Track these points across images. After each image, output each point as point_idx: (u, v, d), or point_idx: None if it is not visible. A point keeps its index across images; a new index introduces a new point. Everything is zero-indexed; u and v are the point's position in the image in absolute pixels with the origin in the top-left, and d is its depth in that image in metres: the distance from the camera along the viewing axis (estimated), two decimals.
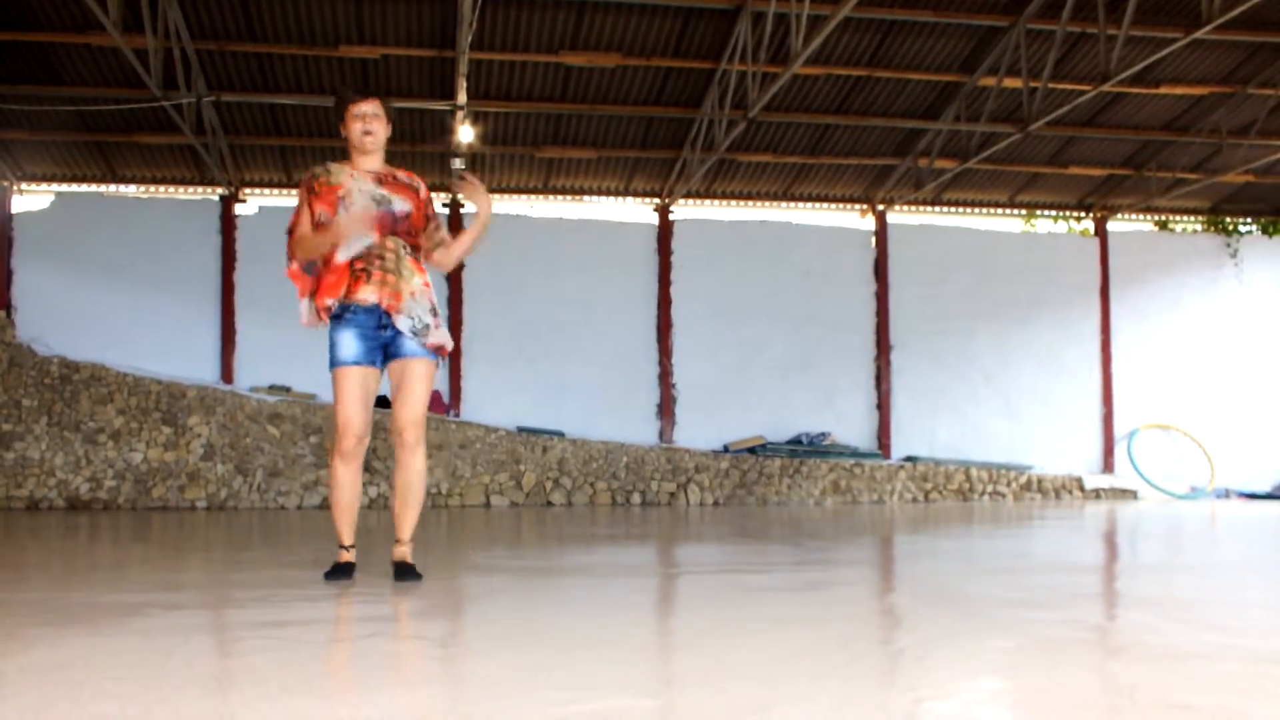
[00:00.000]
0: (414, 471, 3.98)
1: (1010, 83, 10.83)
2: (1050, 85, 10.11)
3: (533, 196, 13.10)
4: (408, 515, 4.05)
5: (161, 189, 12.49)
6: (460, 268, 12.47)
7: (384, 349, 4.00)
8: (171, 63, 9.55)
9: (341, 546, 4.09)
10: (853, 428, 13.20)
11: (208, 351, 12.07)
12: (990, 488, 12.69)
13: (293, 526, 8.07)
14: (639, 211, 13.23)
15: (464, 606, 3.69)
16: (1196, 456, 13.78)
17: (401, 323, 3.94)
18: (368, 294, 3.91)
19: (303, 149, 12.00)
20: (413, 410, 3.94)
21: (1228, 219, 14.47)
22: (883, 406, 13.26)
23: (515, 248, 12.57)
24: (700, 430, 12.79)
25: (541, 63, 10.62)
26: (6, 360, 11.06)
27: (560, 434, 11.96)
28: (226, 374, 12.00)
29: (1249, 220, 14.58)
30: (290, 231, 4.09)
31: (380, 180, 4.06)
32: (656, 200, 13.11)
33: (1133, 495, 13.11)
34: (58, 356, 11.17)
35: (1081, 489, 12.97)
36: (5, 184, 12.02)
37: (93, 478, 10.90)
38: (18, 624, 3.09)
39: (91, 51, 10.01)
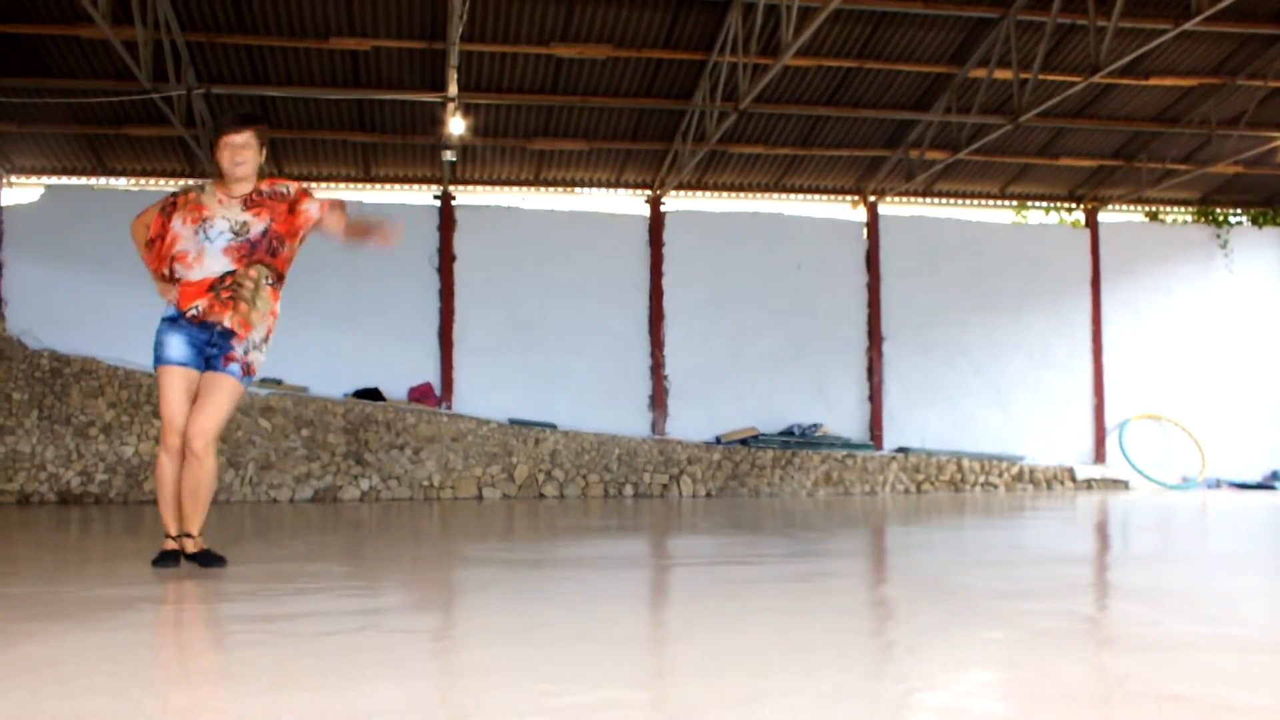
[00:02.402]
0: (202, 476, 4.14)
1: (1001, 74, 10.83)
2: (1041, 77, 10.11)
3: (524, 188, 13.07)
4: (197, 515, 4.22)
5: (151, 181, 12.43)
6: (451, 259, 12.45)
7: (206, 359, 4.19)
8: (161, 55, 9.49)
9: (169, 536, 4.24)
10: (845, 419, 13.22)
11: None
12: (982, 478, 12.73)
13: (284, 520, 8.06)
14: (630, 203, 13.22)
15: (455, 599, 3.69)
16: (1188, 447, 13.84)
17: (236, 352, 4.16)
18: (224, 319, 4.13)
19: (293, 141, 11.95)
20: (210, 422, 4.11)
21: (1218, 210, 14.51)
22: (874, 398, 13.28)
23: (507, 240, 12.55)
24: (692, 422, 12.80)
25: (532, 54, 10.58)
26: None
27: (552, 426, 11.96)
28: None
29: (1239, 211, 14.63)
30: (142, 227, 4.29)
31: (246, 203, 4.21)
32: (648, 192, 13.09)
33: (1124, 486, 13.16)
34: (48, 350, 11.12)
35: (1073, 479, 13.02)
36: None
37: (84, 471, 10.87)
38: (8, 618, 3.08)
39: (81, 43, 9.95)
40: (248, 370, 4.21)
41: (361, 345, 12.05)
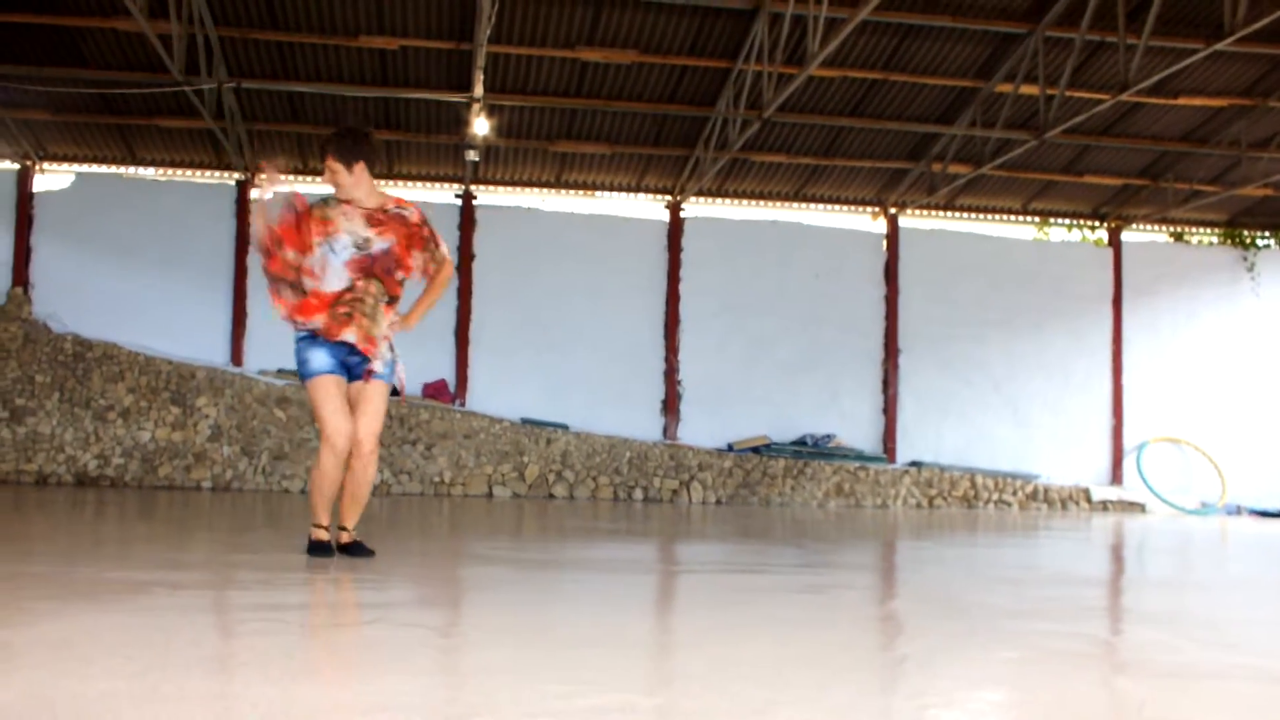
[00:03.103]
0: (367, 476, 4.41)
1: (1027, 89, 10.78)
2: (1067, 93, 10.06)
3: (545, 190, 13.09)
4: (356, 511, 4.50)
5: (179, 172, 12.54)
6: (471, 258, 12.49)
7: (348, 369, 4.38)
8: (194, 48, 9.57)
9: (319, 525, 4.47)
10: (858, 430, 13.17)
11: (219, 334, 12.10)
12: (995, 496, 12.65)
13: (296, 510, 8.09)
14: (650, 208, 13.22)
15: (465, 597, 3.70)
16: (1207, 471, 13.68)
17: (376, 365, 4.36)
18: (347, 336, 4.30)
19: (319, 137, 12.00)
20: (374, 425, 4.36)
21: (1245, 232, 14.36)
22: (889, 410, 13.23)
23: (526, 240, 12.57)
24: (704, 428, 12.78)
25: (558, 58, 10.61)
26: (22, 336, 11.13)
27: (564, 427, 11.97)
28: (236, 357, 12.03)
29: (1267, 234, 14.47)
30: (273, 250, 4.31)
31: (370, 219, 4.34)
32: (668, 197, 13.09)
33: (1140, 509, 13.04)
34: (71, 334, 11.23)
35: (1089, 500, 12.92)
36: (28, 163, 12.07)
37: (101, 455, 10.96)
38: (25, 597, 3.11)
39: (117, 36, 10.06)
40: (394, 372, 4.41)
41: None
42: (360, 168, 4.34)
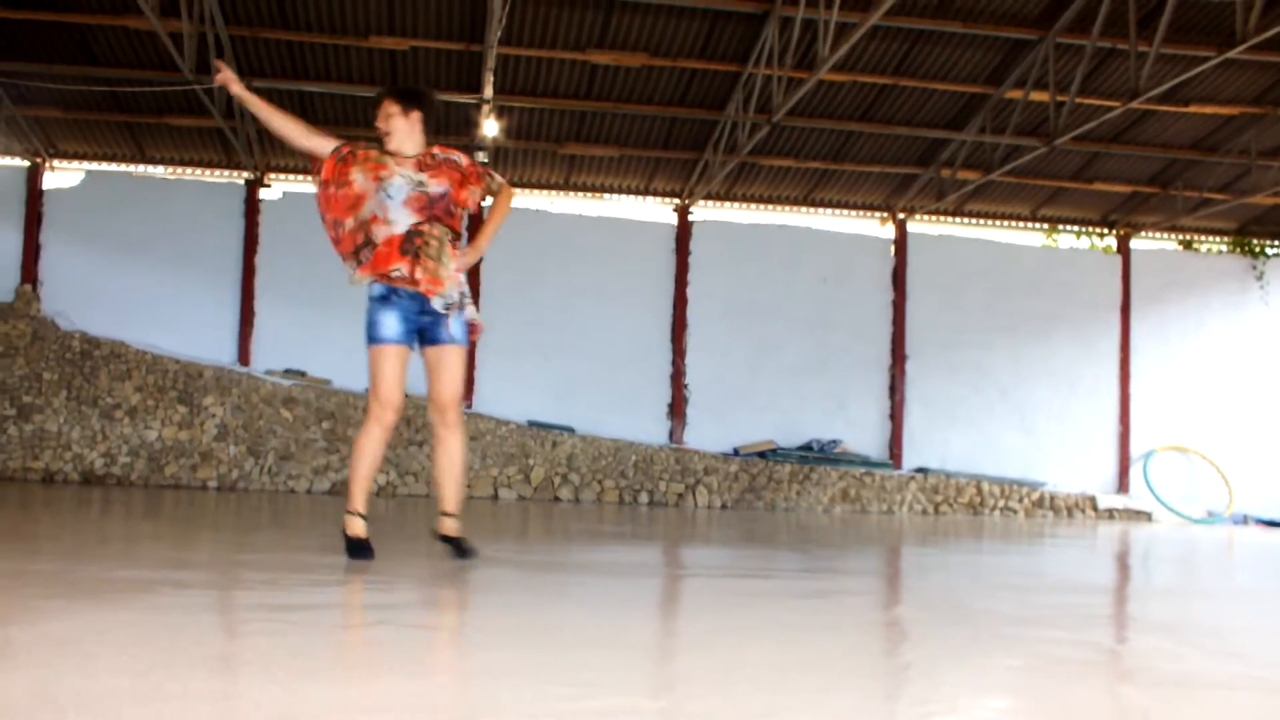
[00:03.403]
0: (458, 448, 4.36)
1: (1037, 96, 10.76)
2: (1078, 100, 10.04)
3: (554, 192, 13.10)
4: (457, 490, 4.38)
5: (188, 171, 12.57)
6: (478, 261, 12.48)
7: (420, 334, 4.31)
8: (205, 47, 9.61)
9: (358, 514, 4.27)
10: (864, 436, 13.15)
11: (226, 333, 12.13)
12: (1001, 503, 12.62)
13: (302, 510, 8.11)
14: (658, 211, 13.22)
15: (470, 598, 3.70)
16: (1214, 481, 13.64)
17: (435, 303, 4.26)
18: (417, 274, 4.19)
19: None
20: (452, 391, 4.31)
21: (1254, 240, 14.32)
22: (895, 416, 13.21)
23: (534, 242, 12.58)
24: (710, 432, 12.77)
25: (568, 60, 10.62)
26: (30, 333, 11.17)
27: (570, 430, 11.97)
28: (243, 356, 12.06)
29: (1276, 243, 14.42)
30: (331, 200, 4.31)
31: (420, 165, 4.32)
32: (676, 200, 13.09)
33: (1147, 517, 12.99)
34: (79, 332, 11.26)
35: (1095, 509, 12.88)
36: (37, 160, 12.12)
37: (108, 453, 10.99)
38: (31, 595, 3.12)
39: (127, 33, 10.10)
40: (469, 328, 4.36)
41: None
42: (416, 116, 4.33)
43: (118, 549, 4.93)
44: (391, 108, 4.31)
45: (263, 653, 2.43)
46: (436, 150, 4.38)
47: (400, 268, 4.17)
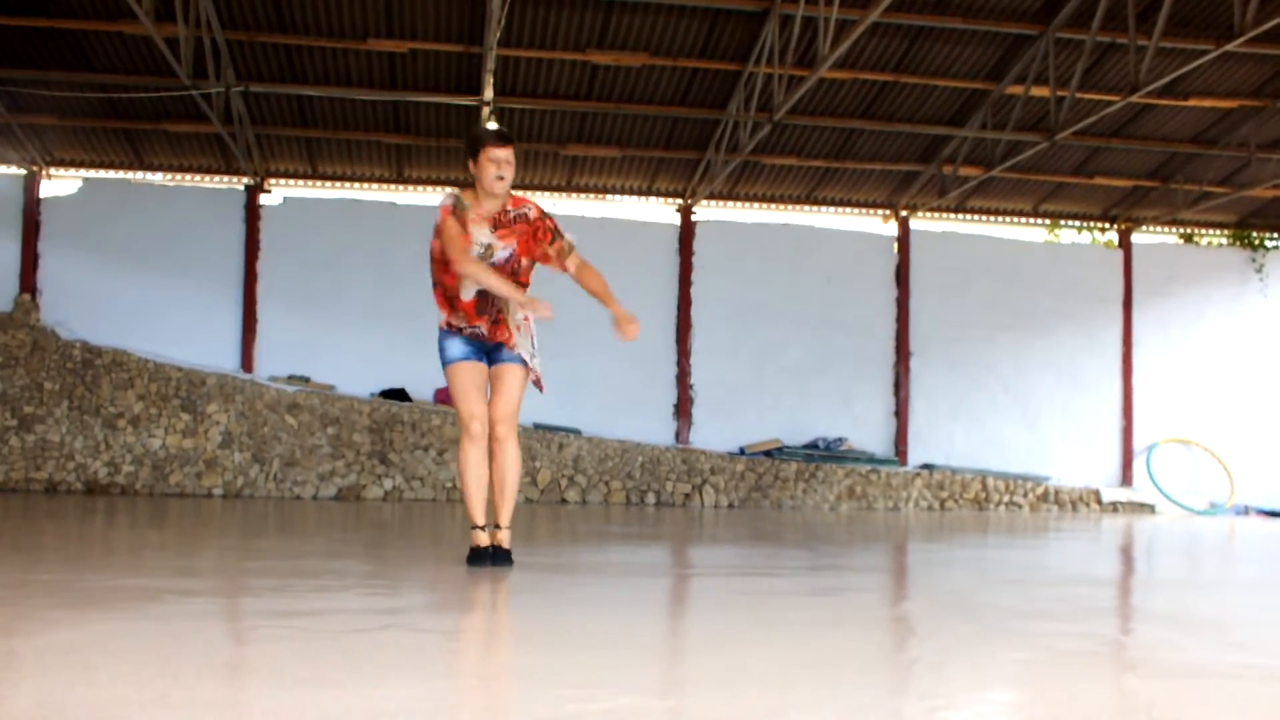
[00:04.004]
0: (507, 462, 4.43)
1: (1038, 91, 10.75)
2: (1078, 95, 10.03)
3: (556, 194, 13.10)
4: (505, 503, 4.46)
5: (187, 177, 12.57)
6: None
7: (487, 354, 4.51)
8: (201, 52, 9.61)
9: (476, 527, 4.43)
10: (870, 433, 13.14)
11: (228, 340, 12.14)
12: (1006, 498, 12.61)
13: (308, 516, 8.11)
14: (661, 211, 13.22)
15: (477, 601, 3.70)
16: (1216, 472, 13.64)
17: (515, 349, 4.48)
18: (498, 334, 4.46)
19: (329, 141, 12.05)
20: (504, 408, 4.41)
21: (1254, 233, 14.31)
22: (900, 413, 13.20)
23: None
24: (716, 432, 12.77)
25: (568, 60, 10.62)
26: (30, 343, 11.17)
27: (577, 431, 11.97)
28: (246, 363, 12.07)
29: (1276, 235, 14.41)
30: (440, 259, 4.44)
31: (494, 224, 4.41)
32: (679, 201, 13.09)
33: (1150, 510, 12.99)
34: (80, 341, 11.27)
35: (1099, 502, 12.87)
36: (34, 168, 12.12)
37: (111, 462, 10.99)
38: (35, 605, 3.12)
39: (123, 39, 10.09)
40: (530, 369, 4.49)
41: (389, 345, 12.11)
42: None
43: (122, 558, 4.93)
44: (511, 154, 4.35)
45: (270, 659, 2.43)
46: (510, 207, 4.43)
47: (480, 328, 4.43)
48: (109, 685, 2.07)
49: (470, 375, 4.40)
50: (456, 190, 4.47)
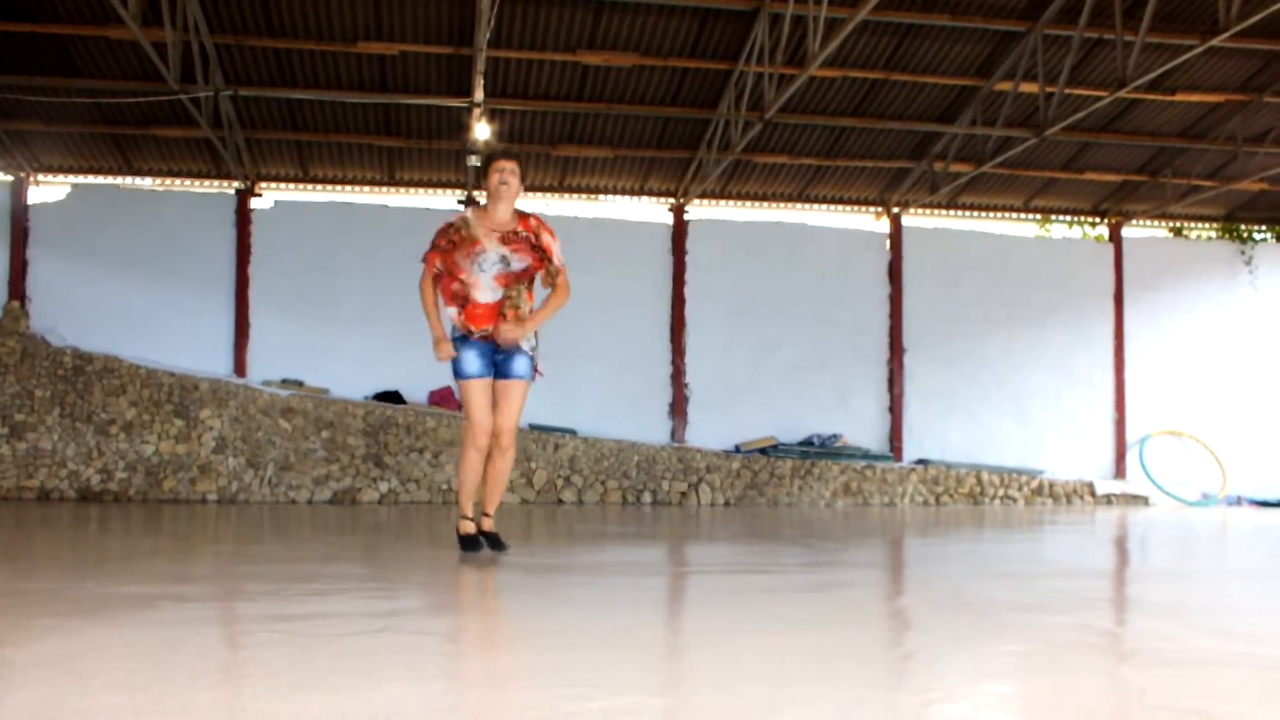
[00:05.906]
0: (504, 465, 5.02)
1: (1027, 87, 10.78)
2: (1067, 91, 10.06)
3: (548, 195, 13.10)
4: (494, 497, 5.10)
5: (177, 182, 12.54)
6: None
7: (495, 367, 4.99)
8: (189, 56, 9.58)
9: (466, 517, 5.02)
10: (865, 430, 13.16)
11: (221, 345, 12.11)
12: (1001, 492, 12.65)
13: (303, 520, 8.10)
14: (654, 211, 13.22)
15: (473, 602, 3.70)
16: (1209, 463, 13.70)
17: (519, 367, 4.98)
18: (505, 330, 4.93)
19: (319, 144, 12.03)
20: (507, 420, 4.95)
21: (1243, 226, 14.38)
22: (895, 409, 13.23)
23: None
24: (712, 430, 12.78)
25: (559, 61, 10.62)
26: (20, 351, 11.13)
27: (572, 432, 11.96)
28: (239, 367, 12.04)
29: (1264, 228, 14.49)
30: (445, 271, 4.99)
31: (505, 239, 4.93)
32: (671, 200, 13.10)
33: (1144, 501, 13.04)
34: (71, 348, 11.23)
35: (1093, 494, 12.91)
36: (21, 175, 12.07)
37: (104, 469, 10.96)
38: (28, 614, 3.11)
39: (110, 44, 10.06)
40: (535, 367, 5.01)
41: (383, 348, 12.10)
42: (519, 179, 4.98)
43: (117, 566, 4.92)
44: (518, 168, 4.97)
45: (265, 664, 2.42)
46: (521, 229, 4.95)
47: (489, 329, 4.90)
48: (103, 693, 2.07)
49: (484, 391, 4.92)
50: (467, 213, 5.01)
